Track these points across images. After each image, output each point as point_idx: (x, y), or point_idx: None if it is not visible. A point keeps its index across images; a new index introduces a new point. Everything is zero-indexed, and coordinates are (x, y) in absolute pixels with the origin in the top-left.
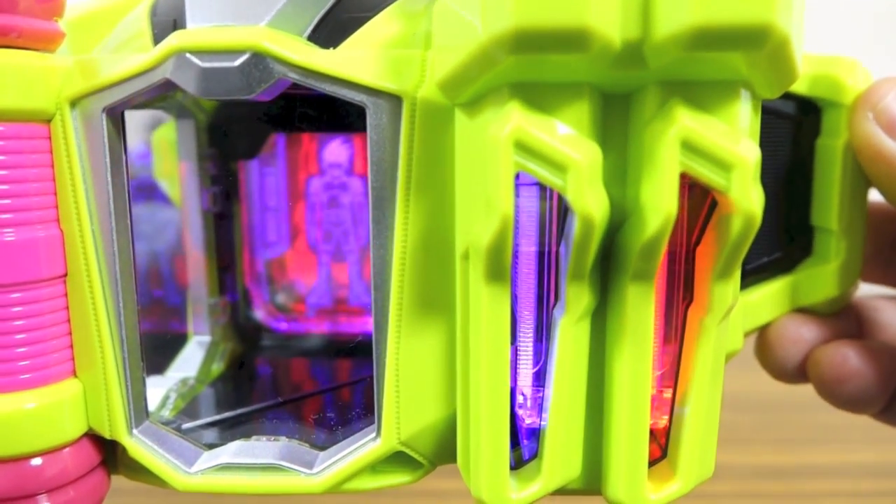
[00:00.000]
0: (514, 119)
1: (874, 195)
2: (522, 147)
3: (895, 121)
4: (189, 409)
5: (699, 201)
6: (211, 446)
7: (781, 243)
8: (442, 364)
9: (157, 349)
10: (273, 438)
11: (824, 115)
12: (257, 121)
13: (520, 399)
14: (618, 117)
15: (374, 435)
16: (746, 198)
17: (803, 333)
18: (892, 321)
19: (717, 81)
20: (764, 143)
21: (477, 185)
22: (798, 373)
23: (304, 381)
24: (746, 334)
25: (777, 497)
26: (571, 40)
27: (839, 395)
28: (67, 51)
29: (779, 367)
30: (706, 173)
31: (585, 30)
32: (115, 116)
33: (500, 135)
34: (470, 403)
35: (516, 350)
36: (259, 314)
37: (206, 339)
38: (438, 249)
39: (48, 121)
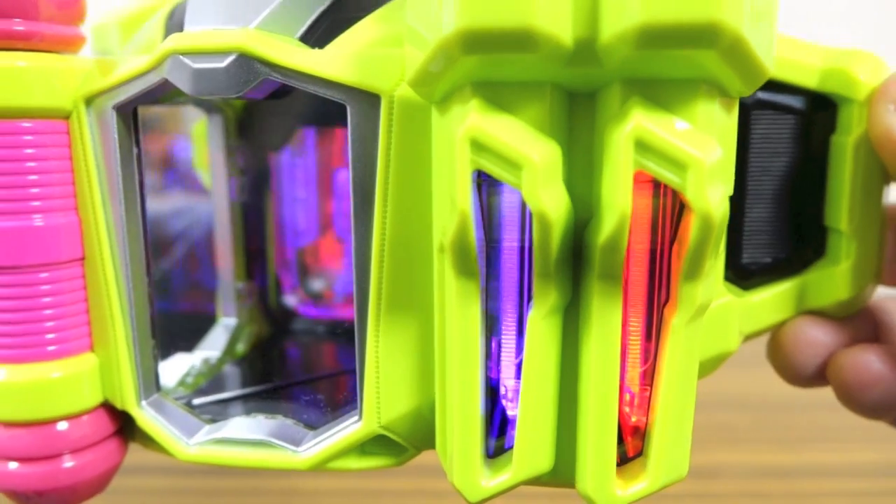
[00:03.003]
0: (470, 118)
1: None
2: (479, 145)
3: None
4: (206, 386)
5: (674, 199)
6: (214, 421)
7: (788, 244)
8: (421, 353)
9: (191, 329)
10: (270, 416)
11: (840, 111)
12: (285, 115)
13: (502, 390)
14: (585, 116)
15: (356, 418)
16: (702, 198)
17: (820, 336)
18: None
19: (679, 79)
20: (766, 139)
21: (446, 182)
22: (815, 377)
23: (320, 365)
24: (748, 337)
25: (777, 497)
26: (519, 40)
27: (862, 402)
28: (109, 51)
29: (795, 372)
30: (662, 172)
31: (531, 30)
32: (126, 113)
33: (458, 133)
34: (445, 393)
35: (499, 343)
36: (289, 299)
37: (233, 321)
38: (417, 243)
39: (67, 117)
